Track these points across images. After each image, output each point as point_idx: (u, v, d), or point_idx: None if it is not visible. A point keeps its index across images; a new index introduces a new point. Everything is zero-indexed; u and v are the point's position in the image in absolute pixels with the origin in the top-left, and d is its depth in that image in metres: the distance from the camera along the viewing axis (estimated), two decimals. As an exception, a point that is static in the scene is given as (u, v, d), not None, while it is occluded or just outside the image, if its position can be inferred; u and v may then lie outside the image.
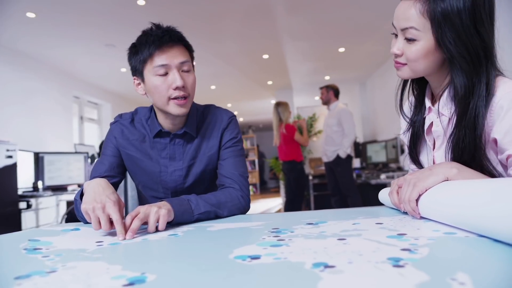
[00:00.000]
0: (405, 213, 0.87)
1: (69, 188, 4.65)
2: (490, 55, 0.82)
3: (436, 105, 0.93)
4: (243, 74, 6.56)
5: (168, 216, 0.89)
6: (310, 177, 6.03)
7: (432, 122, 0.96)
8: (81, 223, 1.07)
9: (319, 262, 0.50)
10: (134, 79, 1.16)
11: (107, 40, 4.58)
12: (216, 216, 1.04)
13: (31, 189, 4.32)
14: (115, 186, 1.20)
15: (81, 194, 0.98)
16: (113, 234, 0.85)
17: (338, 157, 4.34)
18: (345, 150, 4.29)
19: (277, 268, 0.49)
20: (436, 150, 0.96)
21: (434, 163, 0.96)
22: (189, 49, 1.15)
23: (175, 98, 1.10)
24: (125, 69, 5.85)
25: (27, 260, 0.63)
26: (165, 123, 1.19)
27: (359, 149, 6.38)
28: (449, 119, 0.89)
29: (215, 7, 3.65)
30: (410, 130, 1.04)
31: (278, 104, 4.85)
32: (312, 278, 0.43)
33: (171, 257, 0.61)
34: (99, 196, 0.90)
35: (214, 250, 0.63)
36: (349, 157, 4.35)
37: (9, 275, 0.53)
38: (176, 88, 1.09)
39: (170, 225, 0.94)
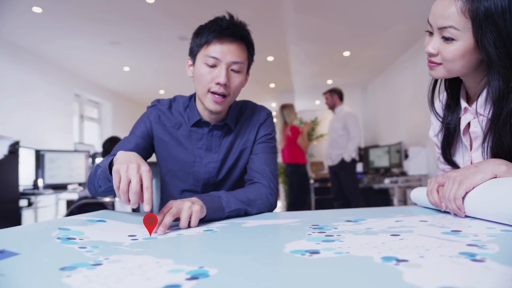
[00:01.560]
0: (445, 212, 0.84)
1: (69, 187, 4.61)
2: None
3: (473, 105, 0.91)
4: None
5: (201, 213, 0.86)
6: (312, 181, 6.01)
7: (469, 123, 0.94)
8: (105, 215, 1.02)
9: (387, 256, 0.47)
10: (189, 59, 1.16)
11: (112, 38, 4.55)
12: (245, 214, 1.01)
13: (31, 187, 4.27)
14: None
15: (110, 164, 0.94)
16: (141, 229, 0.82)
17: (342, 160, 4.32)
18: (350, 153, 4.28)
19: (345, 262, 0.46)
20: (474, 151, 0.93)
21: (471, 164, 0.94)
22: (249, 50, 1.14)
23: (213, 93, 1.08)
24: (128, 68, 5.82)
25: (65, 250, 0.60)
26: (204, 113, 1.18)
27: (361, 154, 6.37)
28: (488, 120, 0.87)
29: (223, 7, 3.63)
30: (443, 131, 1.01)
31: (283, 107, 4.84)
32: (391, 271, 0.41)
33: (223, 251, 0.58)
34: (134, 159, 0.85)
35: (264, 245, 0.60)
36: (353, 161, 4.33)
37: (52, 265, 0.51)
38: (218, 84, 1.07)
39: (201, 221, 0.91)
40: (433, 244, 0.53)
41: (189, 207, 0.84)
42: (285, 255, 0.51)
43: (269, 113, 1.29)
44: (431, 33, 0.90)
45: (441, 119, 1.03)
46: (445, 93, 1.05)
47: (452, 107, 0.99)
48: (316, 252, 0.52)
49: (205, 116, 1.18)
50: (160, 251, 0.60)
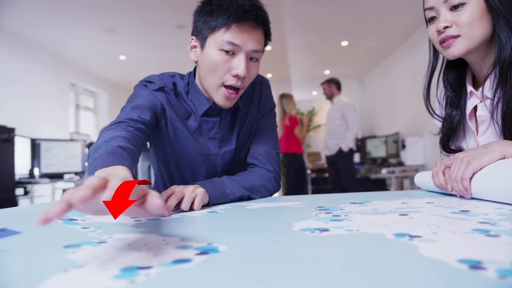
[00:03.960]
0: (451, 194, 0.84)
1: (66, 176, 4.58)
2: None
3: (480, 89, 0.90)
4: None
5: (204, 197, 0.85)
6: (309, 171, 6.02)
7: (475, 107, 0.93)
8: None
9: (399, 233, 0.46)
10: (192, 39, 0.98)
11: (108, 26, 4.49)
12: (249, 198, 1.00)
13: (27, 176, 4.24)
14: (141, 145, 0.92)
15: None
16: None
17: (340, 150, 4.33)
18: (348, 143, 4.28)
19: (357, 238, 0.46)
20: (480, 135, 0.93)
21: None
22: (267, 36, 1.00)
23: (228, 87, 0.95)
24: (125, 56, 5.76)
25: (68, 230, 0.59)
26: (209, 97, 1.03)
27: (358, 144, 6.38)
28: (495, 102, 0.86)
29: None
30: (446, 127, 1.00)
31: (282, 96, 4.82)
32: (406, 246, 0.40)
33: (230, 230, 0.57)
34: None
35: (271, 224, 0.60)
36: (351, 151, 4.34)
37: (56, 243, 0.50)
38: (236, 76, 0.94)
39: (203, 207, 0.90)
40: (444, 222, 0.52)
41: (193, 190, 0.83)
42: (295, 233, 0.50)
43: (269, 85, 1.19)
44: (431, 20, 0.90)
45: (441, 119, 1.02)
46: (441, 91, 1.04)
47: (455, 102, 0.97)
48: (326, 230, 0.51)
49: (211, 100, 1.04)
50: (165, 229, 0.59)
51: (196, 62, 1.01)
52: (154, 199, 0.43)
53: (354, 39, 5.36)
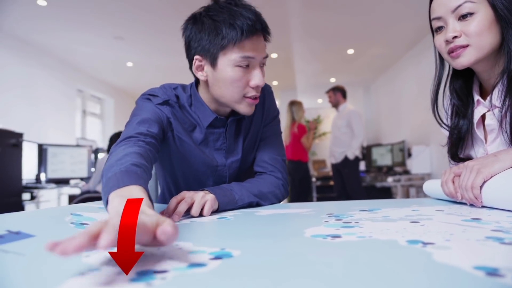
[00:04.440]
0: (461, 203, 0.84)
1: (72, 181, 4.61)
2: None
3: (488, 98, 0.90)
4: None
5: (214, 204, 0.85)
6: (314, 179, 6.00)
7: (483, 116, 0.93)
8: None
9: (412, 239, 0.46)
10: (196, 59, 0.95)
11: (116, 32, 4.54)
12: (257, 205, 1.00)
13: (34, 181, 4.26)
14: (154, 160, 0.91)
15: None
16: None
17: (346, 158, 4.32)
18: (353, 151, 4.27)
19: (370, 245, 0.46)
20: (490, 144, 0.92)
21: None
22: (266, 39, 0.99)
23: (250, 97, 0.96)
24: (132, 63, 5.81)
25: (81, 235, 0.60)
26: (213, 107, 1.04)
27: (364, 152, 6.36)
28: (504, 111, 0.86)
29: (228, 2, 3.62)
30: (454, 137, 1.00)
31: (292, 103, 4.83)
32: (420, 252, 0.40)
33: (242, 236, 0.57)
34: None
35: (283, 230, 0.60)
36: (357, 159, 4.33)
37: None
38: (257, 87, 0.95)
39: (212, 213, 0.90)
40: (457, 230, 0.52)
41: (203, 196, 0.83)
42: (308, 239, 0.51)
43: (271, 91, 1.18)
44: (438, 30, 0.90)
45: (448, 128, 1.02)
46: (448, 100, 1.04)
47: (462, 111, 0.97)
48: (338, 236, 0.51)
49: (218, 111, 1.04)
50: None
51: (206, 81, 0.99)
52: (165, 227, 0.41)
53: (360, 47, 5.37)
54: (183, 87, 1.07)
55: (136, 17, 4.08)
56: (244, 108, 0.98)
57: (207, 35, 0.91)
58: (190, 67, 1.01)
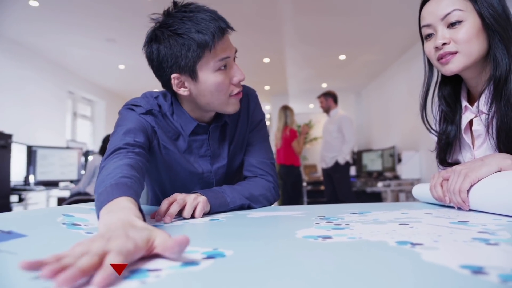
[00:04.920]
0: (449, 206, 0.85)
1: (61, 184, 4.56)
2: None
3: (475, 104, 0.92)
4: (241, 78, 6.56)
5: (206, 206, 0.85)
6: (305, 184, 6.02)
7: (471, 121, 0.95)
8: None
9: (401, 240, 0.47)
10: (174, 77, 0.92)
11: (109, 35, 4.52)
12: (249, 207, 1.01)
13: (22, 183, 4.21)
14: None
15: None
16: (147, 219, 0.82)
17: (336, 163, 4.34)
18: (344, 156, 4.30)
19: (360, 245, 0.46)
20: (477, 149, 0.95)
21: None
22: None
23: (234, 95, 0.96)
24: (123, 65, 5.79)
25: (72, 235, 0.60)
26: (195, 115, 1.02)
27: (354, 157, 6.41)
28: (490, 117, 0.88)
29: (220, 6, 3.63)
30: (442, 142, 1.02)
31: (286, 108, 4.87)
32: (409, 253, 0.41)
33: (234, 237, 0.58)
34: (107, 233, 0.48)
35: (275, 231, 0.60)
36: (347, 164, 4.36)
37: (62, 247, 0.50)
38: (238, 83, 0.95)
39: (204, 215, 0.90)
40: (444, 231, 0.53)
41: (195, 198, 0.84)
42: (298, 239, 0.51)
43: (256, 95, 1.17)
44: (427, 37, 0.92)
45: (437, 134, 1.04)
46: (436, 107, 1.06)
47: (450, 117, 1.00)
48: (329, 237, 0.52)
49: (200, 118, 1.03)
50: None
51: (189, 96, 0.96)
52: (169, 244, 0.42)
53: (351, 53, 5.42)
54: (164, 95, 1.05)
55: (128, 20, 4.07)
56: (231, 107, 0.98)
57: (179, 50, 0.88)
58: (165, 86, 0.99)
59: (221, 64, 0.90)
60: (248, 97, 1.14)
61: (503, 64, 0.84)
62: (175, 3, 0.92)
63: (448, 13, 0.86)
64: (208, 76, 0.91)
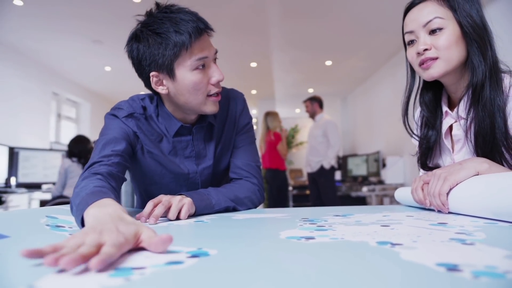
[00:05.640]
0: (430, 209, 0.87)
1: (44, 186, 4.48)
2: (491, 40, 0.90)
3: (455, 109, 0.95)
4: (228, 81, 6.56)
5: (191, 207, 0.86)
6: (290, 188, 6.04)
7: (450, 126, 0.98)
8: None
9: (382, 241, 0.49)
10: (153, 75, 0.95)
11: (95, 36, 4.48)
12: (234, 210, 1.01)
13: (3, 185, 4.13)
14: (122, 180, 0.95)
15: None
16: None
17: (322, 168, 4.37)
18: (329, 161, 4.33)
19: (342, 245, 0.48)
20: (456, 153, 0.97)
21: None
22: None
23: (212, 95, 0.98)
24: (110, 67, 5.74)
25: (56, 237, 0.60)
26: (179, 116, 1.04)
27: (340, 162, 6.47)
28: (469, 122, 0.91)
29: (206, 9, 3.65)
30: (423, 146, 1.05)
31: (267, 114, 4.90)
32: (388, 252, 0.42)
33: (218, 237, 0.59)
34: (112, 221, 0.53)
35: (259, 232, 0.61)
36: (332, 168, 4.39)
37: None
38: (217, 83, 0.97)
39: (189, 217, 0.90)
40: (424, 232, 0.55)
41: (180, 200, 0.84)
42: (281, 240, 0.52)
43: (244, 99, 1.19)
44: (410, 43, 0.95)
45: (418, 138, 1.07)
46: (418, 112, 1.09)
47: (431, 122, 1.03)
48: (312, 238, 0.53)
49: (182, 120, 1.05)
50: (154, 236, 0.59)
51: (167, 94, 0.99)
52: (154, 240, 0.46)
53: (338, 59, 5.49)
54: (151, 97, 1.07)
55: (115, 21, 4.04)
56: (209, 108, 0.99)
57: (157, 49, 0.91)
58: (146, 85, 1.01)
59: (198, 63, 0.93)
60: (236, 100, 1.16)
61: (480, 71, 0.87)
62: (157, 4, 0.95)
63: (430, 21, 0.89)
64: (185, 74, 0.93)
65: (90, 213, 0.60)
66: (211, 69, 0.96)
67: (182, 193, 0.91)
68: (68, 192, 3.56)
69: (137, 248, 0.47)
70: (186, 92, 0.95)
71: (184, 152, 1.07)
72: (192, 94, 0.96)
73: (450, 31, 0.88)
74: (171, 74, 0.94)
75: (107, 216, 0.55)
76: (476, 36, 0.87)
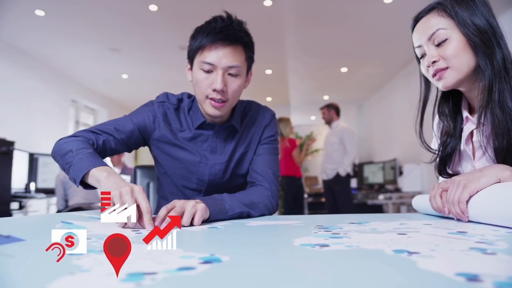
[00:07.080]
0: (448, 217, 0.85)
1: (62, 192, 4.54)
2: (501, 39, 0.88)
3: (475, 115, 0.93)
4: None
5: (204, 213, 0.86)
6: (305, 195, 6.00)
7: (471, 132, 0.96)
8: None
9: (398, 249, 0.47)
10: (187, 63, 1.13)
11: (113, 44, 4.57)
12: (248, 216, 1.01)
13: (23, 190, 4.21)
14: (109, 151, 1.12)
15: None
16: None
17: (337, 175, 4.33)
18: (345, 168, 4.29)
19: (357, 253, 0.47)
20: (477, 161, 0.95)
21: None
22: (247, 51, 1.10)
23: (211, 98, 1.06)
24: (127, 75, 5.83)
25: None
26: (207, 115, 1.13)
27: (355, 169, 6.40)
28: (485, 127, 0.88)
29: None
30: (442, 153, 1.03)
31: (279, 120, 4.88)
32: (405, 261, 0.41)
33: (232, 243, 0.58)
34: (124, 183, 0.84)
35: (272, 239, 0.60)
36: (348, 176, 4.35)
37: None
38: (215, 90, 1.05)
39: (203, 222, 0.90)
40: (442, 241, 0.53)
41: (193, 205, 0.84)
42: (295, 247, 0.51)
43: (273, 114, 1.28)
44: (421, 58, 0.96)
45: (435, 152, 1.05)
46: (436, 121, 1.07)
47: (450, 132, 1.01)
48: (326, 245, 0.52)
49: (209, 118, 1.15)
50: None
51: (191, 81, 1.12)
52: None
53: (353, 66, 5.46)
54: (190, 94, 1.22)
55: (133, 30, 4.12)
56: (207, 108, 1.09)
57: (191, 39, 1.08)
58: None
59: (203, 65, 1.04)
60: (265, 114, 1.26)
61: (487, 75, 0.86)
62: (227, 14, 1.08)
63: (433, 33, 0.90)
64: (196, 70, 1.07)
65: (103, 176, 0.87)
66: (215, 77, 1.04)
67: (195, 198, 0.91)
68: (73, 202, 3.34)
69: (148, 257, 0.47)
70: (194, 85, 1.09)
71: (203, 144, 1.18)
72: (196, 89, 1.09)
73: (455, 40, 0.88)
74: (191, 64, 1.10)
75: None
76: (479, 42, 0.86)
